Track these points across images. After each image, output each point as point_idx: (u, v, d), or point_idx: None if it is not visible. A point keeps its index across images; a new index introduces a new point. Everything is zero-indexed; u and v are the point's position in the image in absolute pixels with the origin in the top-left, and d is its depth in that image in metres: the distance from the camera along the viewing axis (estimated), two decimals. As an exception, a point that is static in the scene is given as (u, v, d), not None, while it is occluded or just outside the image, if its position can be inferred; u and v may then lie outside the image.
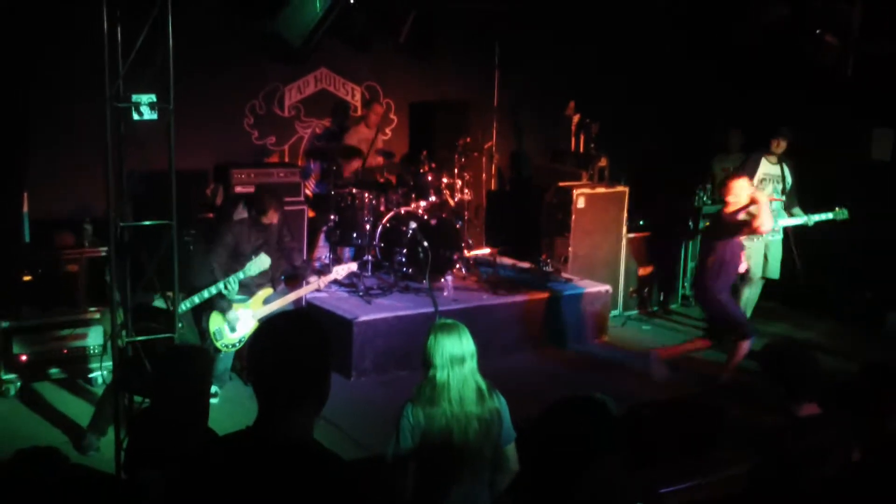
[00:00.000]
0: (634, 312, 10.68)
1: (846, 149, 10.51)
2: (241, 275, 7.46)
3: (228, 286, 7.46)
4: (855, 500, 3.91)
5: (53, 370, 7.97)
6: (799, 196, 9.76)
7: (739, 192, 8.00)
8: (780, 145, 9.67)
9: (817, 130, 10.43)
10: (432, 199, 10.01)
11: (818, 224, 9.53)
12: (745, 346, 8.20)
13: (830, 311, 10.48)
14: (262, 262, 7.50)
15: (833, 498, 3.97)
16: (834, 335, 9.95)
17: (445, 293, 9.23)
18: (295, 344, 2.75)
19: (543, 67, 11.52)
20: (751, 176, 9.66)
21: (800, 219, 9.54)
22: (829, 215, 9.42)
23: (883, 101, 10.07)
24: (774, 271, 9.83)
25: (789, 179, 9.71)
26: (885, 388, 4.29)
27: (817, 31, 9.85)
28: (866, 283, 10.33)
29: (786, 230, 9.77)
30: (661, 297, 10.95)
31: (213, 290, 7.46)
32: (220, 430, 4.25)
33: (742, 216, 7.99)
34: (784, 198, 9.68)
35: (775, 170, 9.72)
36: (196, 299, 7.45)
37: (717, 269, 8.17)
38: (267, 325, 2.84)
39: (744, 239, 9.46)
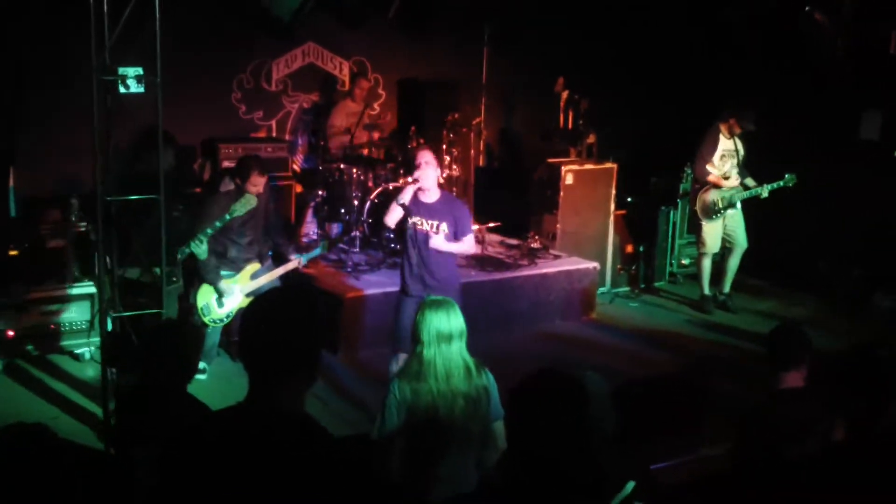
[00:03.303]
0: (622, 289, 10.69)
1: (836, 129, 10.51)
2: (217, 223, 7.23)
3: (197, 244, 7.19)
4: (836, 479, 3.93)
5: (40, 346, 7.93)
6: (751, 169, 9.85)
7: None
8: (739, 128, 9.68)
9: (808, 111, 10.44)
10: (420, 174, 9.96)
11: (803, 202, 9.61)
12: None
13: (819, 289, 10.52)
14: (248, 200, 7.31)
15: (816, 475, 3.98)
16: (822, 313, 9.99)
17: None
18: (287, 319, 2.74)
19: (533, 44, 11.49)
20: (713, 152, 9.71)
21: (754, 191, 9.66)
22: (781, 183, 9.52)
23: (873, 83, 10.07)
24: (744, 240, 9.91)
25: (742, 152, 9.76)
26: (872, 367, 4.30)
27: (806, 9, 9.87)
28: (855, 262, 10.37)
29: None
30: (649, 275, 10.95)
31: (186, 250, 7.29)
32: (211, 405, 4.25)
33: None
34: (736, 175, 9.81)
35: (730, 144, 9.76)
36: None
37: None
38: (259, 301, 2.83)
39: (703, 217, 9.59)
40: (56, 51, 8.48)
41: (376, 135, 10.53)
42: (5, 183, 8.27)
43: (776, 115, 10.00)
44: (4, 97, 8.55)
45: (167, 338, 4.72)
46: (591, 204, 10.43)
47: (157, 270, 6.78)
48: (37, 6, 8.48)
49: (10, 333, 7.74)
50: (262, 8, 9.31)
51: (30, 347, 7.86)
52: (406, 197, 6.51)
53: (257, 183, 7.50)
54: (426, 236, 6.47)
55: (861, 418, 4.11)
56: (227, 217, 7.26)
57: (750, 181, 9.74)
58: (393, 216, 6.62)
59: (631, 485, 2.88)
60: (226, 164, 9.11)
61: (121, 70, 6.04)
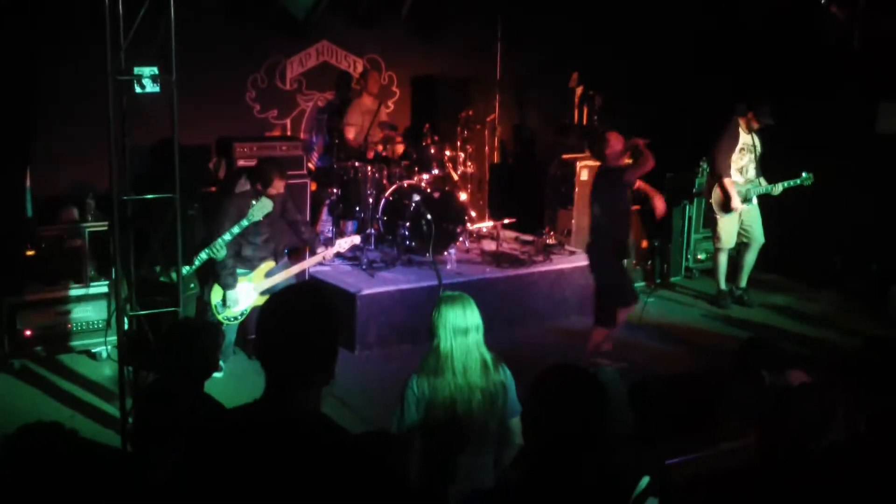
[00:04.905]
0: (638, 285, 10.65)
1: (852, 124, 10.45)
2: (235, 229, 7.30)
3: (215, 249, 7.30)
4: (861, 472, 3.92)
5: (57, 345, 7.96)
6: (765, 165, 9.86)
7: (615, 142, 7.79)
8: (756, 123, 9.65)
9: (823, 104, 10.38)
10: (435, 172, 9.98)
11: (819, 197, 9.72)
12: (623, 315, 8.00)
13: (834, 283, 10.48)
14: (264, 205, 7.37)
15: (840, 469, 3.97)
16: (837, 308, 9.96)
17: (449, 266, 9.23)
18: (304, 318, 2.73)
19: (547, 40, 11.45)
20: (733, 146, 9.68)
21: (768, 188, 9.72)
22: (797, 181, 9.50)
23: (890, 76, 10.00)
24: (760, 235, 9.91)
25: (759, 148, 9.74)
26: (886, 361, 4.29)
27: (822, 2, 9.82)
28: (871, 256, 10.32)
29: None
30: (665, 270, 10.93)
31: (204, 255, 7.37)
32: (227, 403, 4.26)
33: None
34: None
35: (749, 139, 9.74)
36: (187, 268, 7.29)
37: (600, 233, 7.90)
38: (275, 300, 2.81)
39: (718, 211, 9.55)
40: (72, 51, 8.50)
41: (380, 134, 10.52)
42: (22, 183, 8.30)
43: (791, 110, 9.94)
44: (20, 98, 8.57)
45: (186, 336, 4.74)
46: (606, 199, 10.39)
47: (174, 276, 6.81)
48: (51, 7, 8.51)
49: (27, 333, 7.79)
50: (279, 6, 9.32)
51: (46, 347, 7.90)
52: None
53: (278, 187, 7.53)
54: None
55: (879, 413, 4.10)
56: (245, 223, 7.30)
57: (762, 181, 9.74)
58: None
59: (646, 480, 2.88)
60: (241, 162, 9.11)
61: (136, 70, 6.08)
